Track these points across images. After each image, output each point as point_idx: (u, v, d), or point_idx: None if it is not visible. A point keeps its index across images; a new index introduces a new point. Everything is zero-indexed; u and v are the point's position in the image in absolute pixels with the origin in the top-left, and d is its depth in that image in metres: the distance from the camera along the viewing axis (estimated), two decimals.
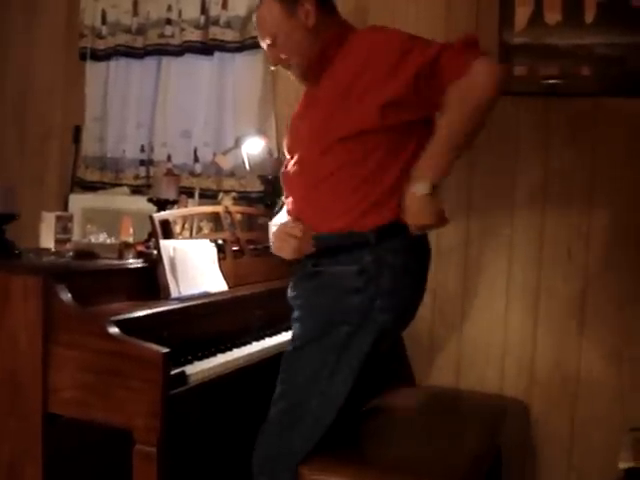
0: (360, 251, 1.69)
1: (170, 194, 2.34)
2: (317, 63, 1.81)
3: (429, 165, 1.66)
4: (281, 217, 1.90)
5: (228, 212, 2.39)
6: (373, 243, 1.68)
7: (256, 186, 2.98)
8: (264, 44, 1.87)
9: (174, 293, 2.01)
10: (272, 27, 1.82)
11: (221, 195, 2.92)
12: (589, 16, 2.44)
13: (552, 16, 2.49)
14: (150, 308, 1.86)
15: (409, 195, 1.66)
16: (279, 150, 2.84)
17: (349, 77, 1.72)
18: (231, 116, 3.10)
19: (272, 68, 1.92)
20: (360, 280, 1.68)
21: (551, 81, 2.51)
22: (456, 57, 1.62)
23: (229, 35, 3.03)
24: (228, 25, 3.03)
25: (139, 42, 3.24)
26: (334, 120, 1.72)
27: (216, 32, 3.05)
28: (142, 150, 3.28)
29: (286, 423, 1.72)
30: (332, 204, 1.73)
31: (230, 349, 1.99)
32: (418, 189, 1.64)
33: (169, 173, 2.64)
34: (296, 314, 1.80)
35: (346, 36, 1.79)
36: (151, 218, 2.08)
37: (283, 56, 1.84)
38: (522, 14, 2.52)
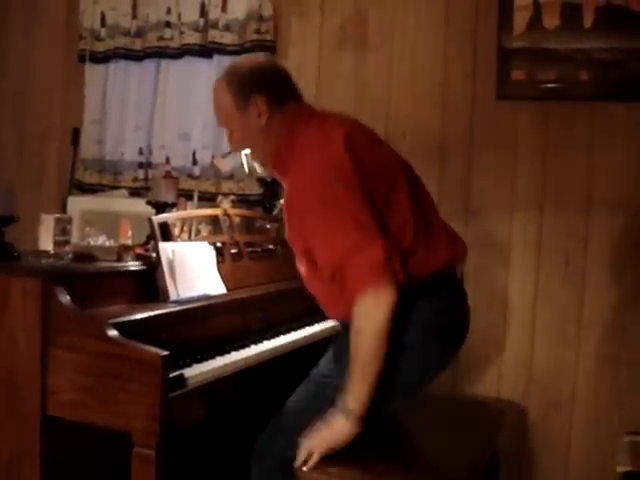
0: None
1: (169, 197, 2.33)
2: (275, 164, 1.78)
3: (350, 396, 1.61)
4: None
5: (227, 215, 2.39)
6: None
7: (255, 189, 2.98)
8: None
9: (173, 296, 2.01)
10: (227, 121, 1.78)
11: (220, 198, 2.91)
12: (588, 21, 2.45)
13: (551, 20, 2.50)
14: (149, 311, 1.86)
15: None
16: None
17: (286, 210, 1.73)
18: None
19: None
20: None
21: (549, 85, 2.52)
22: (358, 275, 1.56)
23: (228, 38, 3.04)
24: (227, 28, 3.04)
25: (138, 45, 3.25)
26: (294, 237, 1.74)
27: (215, 35, 3.06)
28: (141, 152, 3.29)
29: (287, 423, 1.76)
30: (331, 298, 1.76)
31: (229, 352, 1.99)
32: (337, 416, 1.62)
33: (168, 176, 2.63)
34: None
35: (294, 142, 1.69)
36: (150, 220, 2.07)
37: (241, 147, 1.83)
38: (521, 18, 2.53)
